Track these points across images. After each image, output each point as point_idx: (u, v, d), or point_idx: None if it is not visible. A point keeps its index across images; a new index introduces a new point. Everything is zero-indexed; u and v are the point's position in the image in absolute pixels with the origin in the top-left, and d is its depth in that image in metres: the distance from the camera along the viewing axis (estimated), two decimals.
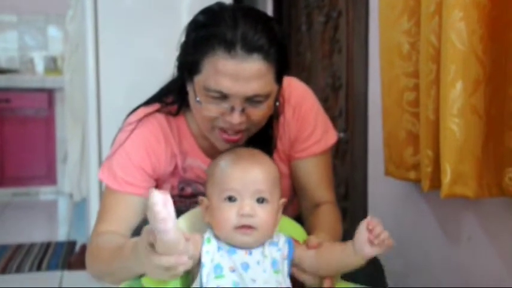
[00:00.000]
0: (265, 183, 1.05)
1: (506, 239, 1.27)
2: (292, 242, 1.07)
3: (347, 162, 2.16)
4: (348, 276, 1.17)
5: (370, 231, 0.95)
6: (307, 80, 2.50)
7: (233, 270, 1.02)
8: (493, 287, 1.31)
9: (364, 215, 1.98)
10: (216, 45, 1.07)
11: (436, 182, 1.30)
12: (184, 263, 0.93)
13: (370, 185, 1.94)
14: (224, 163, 1.09)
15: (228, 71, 1.07)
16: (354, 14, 2.02)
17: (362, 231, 0.96)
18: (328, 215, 1.27)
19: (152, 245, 0.91)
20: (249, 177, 1.05)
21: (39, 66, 5.03)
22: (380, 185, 1.85)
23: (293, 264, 1.07)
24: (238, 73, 1.07)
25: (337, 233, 1.22)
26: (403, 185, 1.65)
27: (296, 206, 1.40)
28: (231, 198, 1.04)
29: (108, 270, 1.14)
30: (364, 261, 0.99)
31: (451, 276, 1.47)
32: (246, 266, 1.02)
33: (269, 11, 2.93)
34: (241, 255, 1.03)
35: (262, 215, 1.03)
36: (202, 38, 1.10)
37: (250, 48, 1.06)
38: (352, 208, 2.12)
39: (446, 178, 1.19)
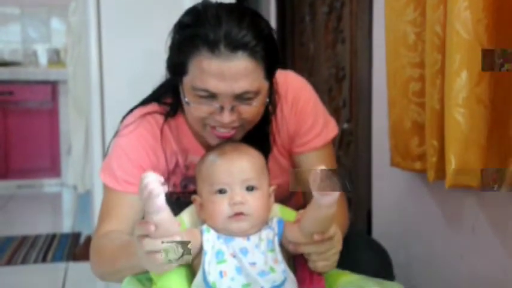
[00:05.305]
0: (252, 172, 1.08)
1: (510, 230, 1.27)
2: (283, 221, 1.09)
3: (351, 153, 2.16)
4: (356, 268, 1.18)
5: (313, 181, 0.93)
6: (311, 71, 2.51)
7: (234, 256, 1.04)
8: (496, 278, 1.31)
9: (368, 205, 1.98)
10: (200, 46, 1.07)
11: (441, 172, 1.30)
12: (175, 241, 0.92)
13: (374, 175, 1.94)
14: (210, 159, 1.12)
15: (213, 70, 1.07)
16: (358, 4, 2.01)
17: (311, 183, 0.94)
18: None
19: (144, 235, 0.92)
20: (236, 168, 1.08)
21: (43, 59, 5.03)
22: (384, 175, 1.84)
23: (287, 241, 1.07)
24: (223, 72, 1.06)
25: (339, 220, 1.21)
26: (408, 175, 1.65)
27: (300, 197, 1.40)
28: (221, 191, 1.07)
29: (113, 269, 1.14)
30: (326, 209, 0.96)
31: (455, 267, 1.47)
32: (245, 251, 1.04)
33: (272, 1, 2.92)
34: (239, 241, 1.06)
35: (253, 202, 1.06)
36: (186, 39, 1.10)
37: (235, 46, 1.06)
38: (356, 199, 2.11)
39: (451, 168, 1.18)
